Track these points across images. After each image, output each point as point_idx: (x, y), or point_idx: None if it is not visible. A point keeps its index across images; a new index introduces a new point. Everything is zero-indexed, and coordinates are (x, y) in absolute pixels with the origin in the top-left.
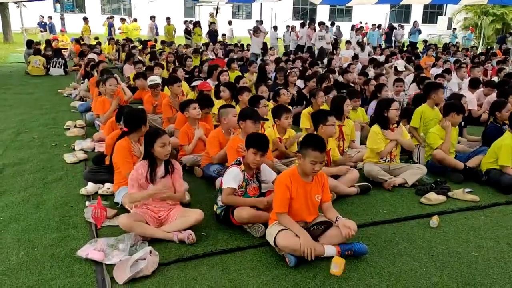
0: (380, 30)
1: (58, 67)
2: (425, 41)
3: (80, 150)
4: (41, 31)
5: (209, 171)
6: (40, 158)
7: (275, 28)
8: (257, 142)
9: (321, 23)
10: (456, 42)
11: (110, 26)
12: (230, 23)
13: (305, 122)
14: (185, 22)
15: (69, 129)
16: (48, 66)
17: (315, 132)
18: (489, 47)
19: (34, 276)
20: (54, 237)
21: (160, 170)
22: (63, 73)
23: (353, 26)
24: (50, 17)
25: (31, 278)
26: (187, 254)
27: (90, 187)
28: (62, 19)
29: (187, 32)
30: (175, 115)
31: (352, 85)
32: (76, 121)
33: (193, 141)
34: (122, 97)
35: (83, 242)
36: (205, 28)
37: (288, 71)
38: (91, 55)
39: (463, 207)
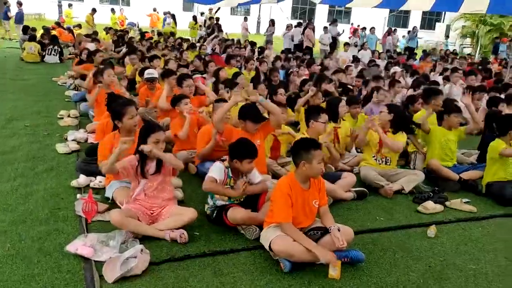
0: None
1: (53, 55)
2: (409, 48)
3: (72, 140)
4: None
5: (204, 168)
6: (31, 147)
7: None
8: (248, 152)
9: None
10: (454, 50)
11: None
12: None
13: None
14: (210, 18)
15: (62, 118)
16: (44, 53)
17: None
18: (483, 56)
19: (20, 271)
20: (43, 230)
21: (152, 166)
22: (58, 61)
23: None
24: (19, 3)
25: (17, 273)
26: (179, 254)
27: (82, 179)
28: (60, 6)
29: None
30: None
31: (351, 87)
32: (70, 110)
33: (184, 125)
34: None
35: (72, 237)
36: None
37: (290, 70)
38: (88, 45)
39: (460, 218)
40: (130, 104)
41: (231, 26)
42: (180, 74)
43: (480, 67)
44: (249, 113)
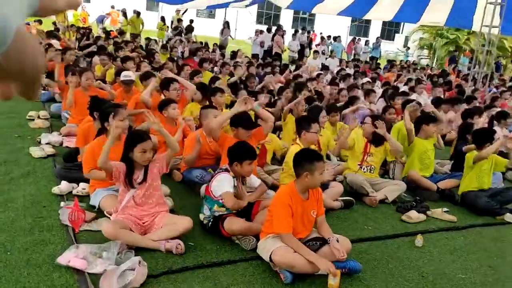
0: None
1: None
2: (373, 57)
3: (47, 144)
4: None
5: (191, 175)
6: (3, 150)
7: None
8: (248, 153)
9: None
10: (413, 61)
11: None
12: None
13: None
14: (179, 20)
15: (32, 120)
16: None
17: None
18: (441, 69)
19: (10, 285)
20: (28, 241)
21: (140, 175)
22: None
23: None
24: None
25: (8, 287)
26: (176, 266)
27: (64, 186)
28: None
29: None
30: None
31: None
32: (39, 111)
33: (177, 132)
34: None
35: (61, 247)
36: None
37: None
38: (51, 41)
39: (443, 227)
40: (120, 106)
41: (196, 29)
42: (166, 77)
43: (440, 78)
44: (241, 120)
